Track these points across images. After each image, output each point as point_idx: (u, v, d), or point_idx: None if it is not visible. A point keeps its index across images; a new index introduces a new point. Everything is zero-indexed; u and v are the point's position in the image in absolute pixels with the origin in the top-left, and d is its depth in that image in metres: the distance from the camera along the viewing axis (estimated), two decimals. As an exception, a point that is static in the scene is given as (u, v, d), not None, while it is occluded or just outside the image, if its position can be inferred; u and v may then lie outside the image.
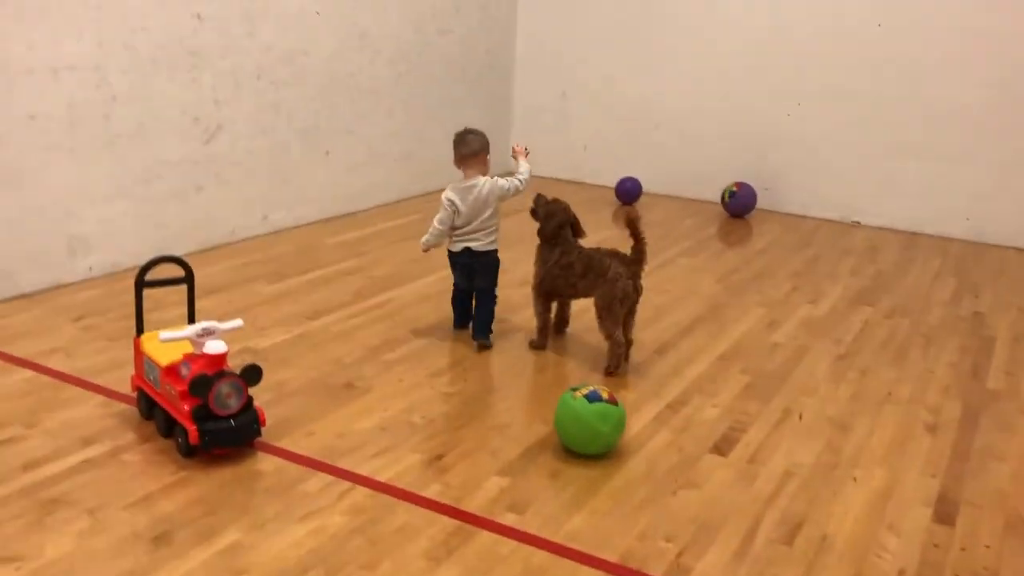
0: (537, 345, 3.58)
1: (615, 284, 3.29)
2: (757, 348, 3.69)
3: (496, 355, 3.50)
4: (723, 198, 6.04)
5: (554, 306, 3.65)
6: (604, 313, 3.31)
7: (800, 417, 3.07)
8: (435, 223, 3.54)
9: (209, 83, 4.48)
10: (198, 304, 3.80)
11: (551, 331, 3.64)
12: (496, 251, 3.61)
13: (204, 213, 4.61)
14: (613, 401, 2.72)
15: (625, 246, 3.46)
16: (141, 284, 2.77)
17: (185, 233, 4.51)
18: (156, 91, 4.23)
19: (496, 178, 3.59)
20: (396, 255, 4.74)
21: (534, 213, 3.64)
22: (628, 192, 6.26)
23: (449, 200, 3.50)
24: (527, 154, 3.76)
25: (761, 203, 6.15)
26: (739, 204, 5.99)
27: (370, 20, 5.43)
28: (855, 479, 2.67)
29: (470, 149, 3.54)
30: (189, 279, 2.86)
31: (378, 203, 5.80)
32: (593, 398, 2.69)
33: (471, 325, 3.65)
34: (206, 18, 4.39)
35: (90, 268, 4.09)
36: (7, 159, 3.70)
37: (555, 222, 3.50)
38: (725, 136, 6.30)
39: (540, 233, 3.56)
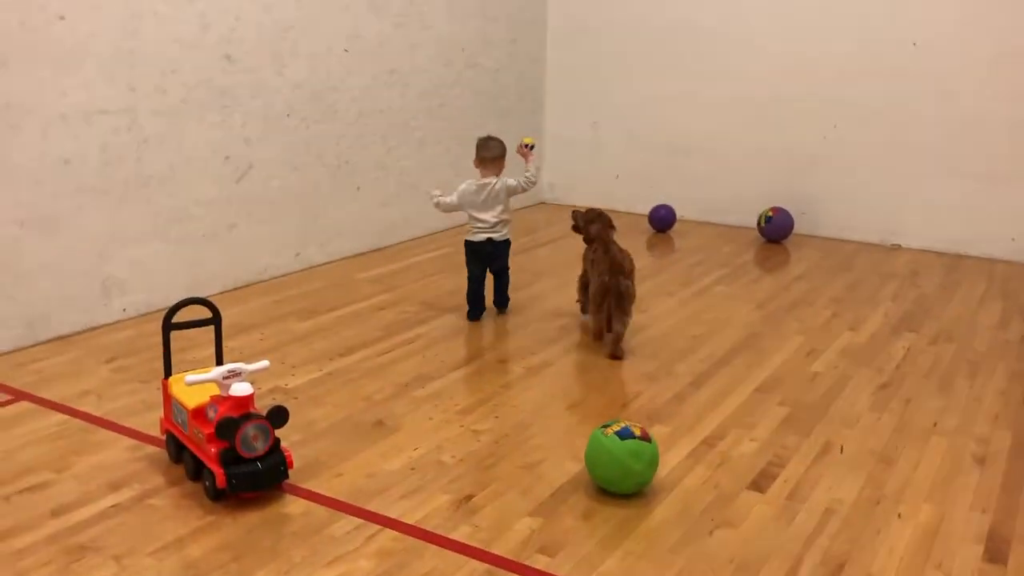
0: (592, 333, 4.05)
1: (597, 280, 3.90)
2: (796, 378, 3.59)
3: (526, 392, 3.45)
4: (759, 223, 5.95)
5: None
6: (592, 297, 3.94)
7: (841, 450, 2.97)
8: (451, 198, 4.26)
9: (239, 122, 4.53)
10: (230, 343, 3.84)
11: (599, 327, 3.97)
12: (509, 240, 4.32)
13: (236, 252, 4.63)
14: (646, 437, 2.65)
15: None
16: (168, 327, 2.77)
17: (218, 272, 4.54)
18: (187, 132, 4.28)
19: (506, 178, 4.21)
20: (427, 289, 4.73)
21: (576, 228, 4.29)
22: (662, 219, 6.20)
23: (463, 191, 4.23)
24: (531, 151, 4.30)
25: (798, 227, 6.05)
26: (776, 229, 5.90)
27: (399, 56, 5.46)
28: (900, 515, 2.57)
29: (491, 154, 4.20)
30: (216, 320, 2.86)
31: (410, 237, 5.80)
32: (625, 435, 2.62)
33: (494, 300, 4.36)
34: (236, 59, 4.44)
35: (124, 309, 4.13)
36: (42, 203, 3.75)
37: (595, 228, 4.10)
38: (759, 160, 6.21)
39: (585, 239, 4.19)
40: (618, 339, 3.80)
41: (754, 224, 6.10)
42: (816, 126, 5.99)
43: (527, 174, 4.23)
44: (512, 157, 4.28)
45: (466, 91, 6.09)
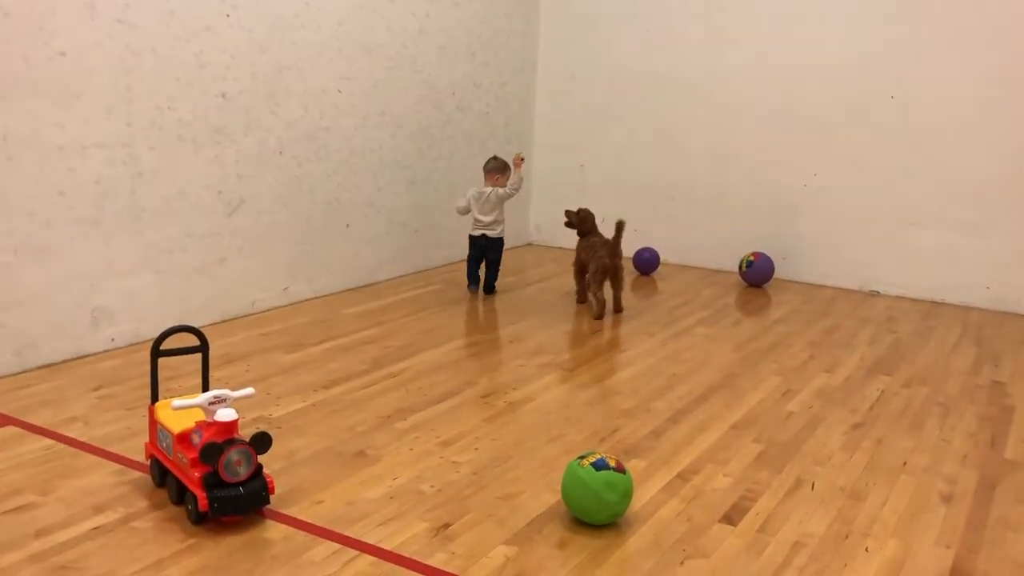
0: (579, 300, 5.41)
1: (598, 261, 5.07)
2: (771, 417, 3.67)
3: (507, 425, 3.51)
4: (741, 268, 6.07)
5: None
6: (592, 277, 5.11)
7: (813, 487, 3.04)
8: (463, 203, 5.53)
9: (233, 158, 4.63)
10: (217, 373, 3.90)
11: (601, 306, 5.11)
12: (502, 238, 5.54)
13: (226, 285, 4.71)
14: (620, 469, 2.71)
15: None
16: (156, 353, 2.83)
17: (207, 304, 4.61)
18: (181, 166, 4.38)
19: (498, 188, 5.43)
20: (413, 325, 4.80)
21: (569, 224, 5.42)
22: (646, 262, 6.31)
23: (469, 196, 5.51)
24: (521, 164, 5.43)
25: (779, 273, 6.18)
26: (757, 274, 6.01)
27: (391, 97, 5.60)
28: (867, 550, 2.63)
29: (488, 168, 5.51)
30: (204, 348, 2.92)
31: (397, 274, 5.89)
32: (600, 466, 2.69)
33: (483, 286, 5.58)
34: (231, 97, 4.56)
35: (112, 339, 4.18)
36: (36, 233, 3.83)
37: (586, 225, 5.36)
38: (742, 207, 6.36)
39: (578, 232, 5.39)
40: (619, 298, 5.19)
41: (736, 268, 6.23)
42: (797, 175, 6.14)
43: (510, 182, 5.43)
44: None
45: (456, 133, 6.23)
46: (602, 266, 5.04)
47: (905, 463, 3.26)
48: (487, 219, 5.43)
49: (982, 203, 5.59)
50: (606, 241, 5.12)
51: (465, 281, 5.68)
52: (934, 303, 5.76)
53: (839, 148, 5.97)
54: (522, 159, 5.43)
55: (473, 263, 5.58)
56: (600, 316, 5.08)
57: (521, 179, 5.46)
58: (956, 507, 2.93)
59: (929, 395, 4.00)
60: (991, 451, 3.40)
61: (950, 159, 5.64)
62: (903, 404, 3.87)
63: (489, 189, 5.42)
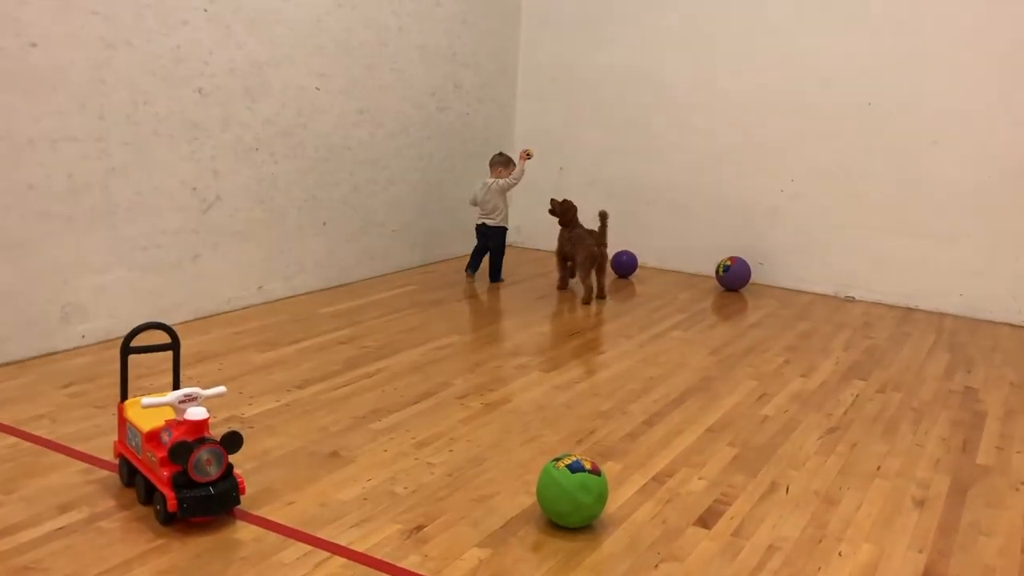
0: (559, 287, 5.81)
1: (587, 249, 5.44)
2: (747, 421, 3.67)
3: (483, 427, 3.49)
4: (718, 272, 6.08)
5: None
6: (580, 266, 5.48)
7: (787, 490, 3.04)
8: (473, 195, 5.93)
9: (209, 154, 4.58)
10: (188, 371, 3.85)
11: (589, 291, 5.51)
12: (503, 227, 5.91)
13: (200, 282, 4.65)
14: (596, 471, 2.70)
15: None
16: (127, 350, 2.78)
17: (180, 302, 4.55)
18: (156, 162, 4.32)
19: (499, 179, 5.82)
20: (390, 325, 4.77)
21: (552, 212, 5.76)
22: (624, 265, 6.31)
23: (476, 188, 5.91)
24: (527, 158, 5.80)
25: (756, 277, 6.20)
26: (734, 278, 6.03)
27: (370, 96, 5.57)
28: (840, 554, 2.64)
29: (492, 162, 5.94)
30: (175, 346, 2.87)
31: (374, 274, 5.86)
32: (575, 468, 2.67)
33: (489, 274, 5.94)
34: (207, 93, 4.51)
35: (83, 336, 4.12)
36: (5, 228, 3.76)
37: (569, 215, 5.69)
38: (719, 212, 6.38)
39: (560, 222, 5.73)
40: (603, 285, 5.57)
41: (713, 273, 6.24)
42: (774, 180, 6.17)
43: (512, 174, 5.80)
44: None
45: (435, 133, 6.20)
46: (591, 254, 5.43)
47: (879, 467, 3.27)
48: (486, 208, 5.85)
49: (956, 211, 5.64)
50: (592, 231, 5.54)
51: None
52: (908, 309, 5.80)
53: (816, 154, 6.01)
54: (528, 155, 5.79)
55: (476, 252, 6.00)
56: (588, 301, 5.46)
57: (523, 172, 5.82)
58: (929, 511, 2.94)
59: (903, 400, 4.02)
60: (963, 456, 3.42)
61: (925, 167, 5.69)
62: (877, 409, 3.89)
63: (492, 180, 5.84)
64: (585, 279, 5.46)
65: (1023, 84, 5.35)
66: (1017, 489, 3.15)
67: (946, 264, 5.71)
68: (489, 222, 5.86)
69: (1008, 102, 5.40)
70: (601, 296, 5.57)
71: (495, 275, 5.95)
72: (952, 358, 4.74)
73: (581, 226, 5.64)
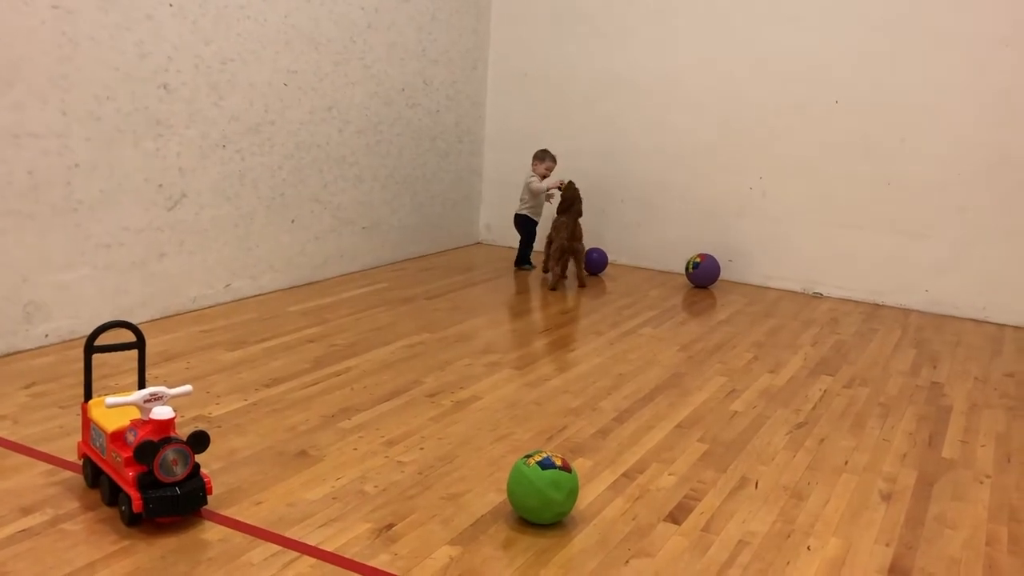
0: (544, 269, 6.10)
1: (560, 240, 5.73)
2: (716, 417, 3.69)
3: (453, 425, 3.48)
4: (687, 269, 6.11)
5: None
6: (552, 254, 5.79)
7: (756, 485, 3.06)
8: None
9: (174, 151, 4.52)
10: (154, 370, 3.80)
11: (556, 279, 5.81)
12: (523, 215, 6.34)
13: (166, 280, 4.59)
14: (566, 468, 2.70)
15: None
16: (90, 349, 2.74)
17: (145, 300, 4.49)
18: (120, 158, 4.26)
19: (529, 177, 6.28)
20: (359, 324, 4.74)
21: (560, 187, 6.03)
22: (595, 262, 6.32)
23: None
24: (559, 185, 6.05)
25: (725, 274, 6.24)
26: (703, 275, 6.06)
27: (339, 92, 5.53)
28: (809, 548, 2.66)
29: (535, 156, 6.31)
30: (140, 344, 2.83)
31: (343, 272, 5.81)
32: (546, 465, 2.67)
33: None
34: (173, 89, 4.45)
35: (46, 335, 4.05)
36: (-35, 224, 3.68)
37: (564, 205, 5.87)
38: (689, 209, 6.41)
39: (559, 209, 5.94)
40: (581, 276, 5.89)
41: (682, 270, 6.27)
42: (743, 178, 6.21)
43: (537, 186, 6.21)
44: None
45: (405, 130, 6.17)
46: (560, 246, 5.72)
47: (847, 462, 3.30)
48: (520, 199, 6.37)
49: (922, 209, 5.71)
50: (566, 223, 5.78)
51: None
52: (875, 305, 5.87)
53: (784, 152, 6.06)
54: (560, 186, 5.99)
55: (520, 245, 6.45)
56: (554, 288, 5.74)
57: (539, 191, 6.21)
58: (895, 505, 2.97)
59: (870, 395, 4.07)
60: (929, 450, 3.46)
61: (891, 164, 5.75)
62: (845, 404, 3.93)
63: (530, 175, 6.31)
64: (552, 267, 5.79)
65: (991, 82, 5.43)
66: (981, 482, 3.19)
67: (912, 261, 5.79)
68: (518, 210, 6.36)
69: (976, 100, 5.48)
70: (581, 285, 5.88)
71: (521, 259, 6.40)
72: (918, 354, 4.80)
73: (569, 215, 5.82)
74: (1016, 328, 5.48)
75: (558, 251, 5.68)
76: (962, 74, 5.49)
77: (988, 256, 5.57)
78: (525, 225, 6.37)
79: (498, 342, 4.57)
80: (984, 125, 5.47)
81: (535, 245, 6.49)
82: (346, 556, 2.48)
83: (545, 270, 6.06)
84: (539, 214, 6.37)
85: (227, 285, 4.96)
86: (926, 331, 5.30)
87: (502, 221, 7.14)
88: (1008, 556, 2.67)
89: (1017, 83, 5.36)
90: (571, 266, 6.04)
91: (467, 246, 7.09)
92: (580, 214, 5.87)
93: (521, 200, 6.34)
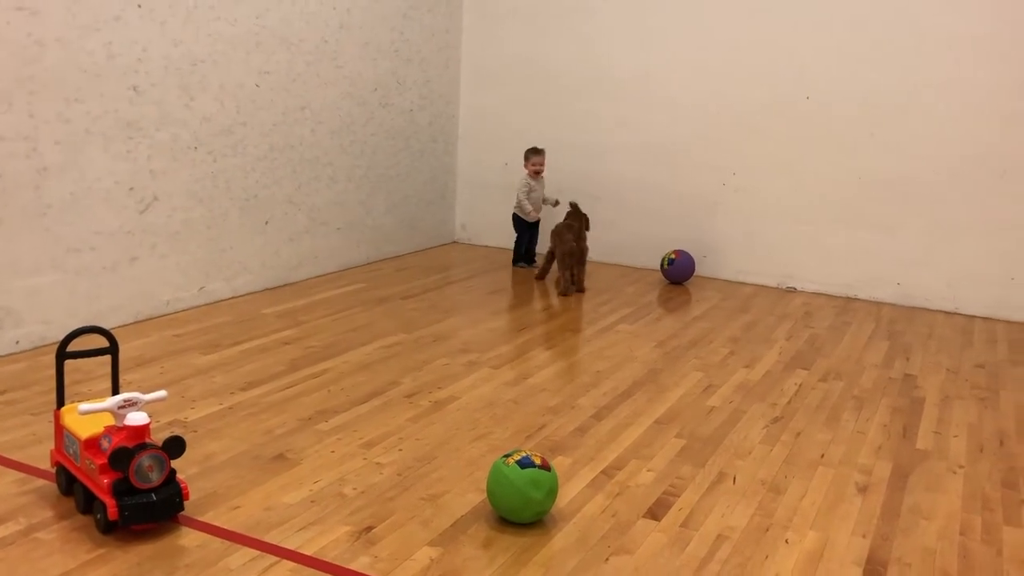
0: (537, 277, 6.07)
1: (566, 245, 5.66)
2: (693, 412, 3.71)
3: (432, 425, 3.47)
4: (663, 265, 6.14)
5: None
6: (560, 261, 5.71)
7: (734, 480, 3.08)
8: None
9: (145, 154, 4.47)
10: (129, 376, 3.76)
11: (567, 284, 5.73)
12: (513, 214, 6.42)
13: (138, 284, 4.54)
14: (546, 466, 2.70)
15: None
16: (62, 355, 2.70)
17: (118, 305, 4.44)
18: (90, 161, 4.21)
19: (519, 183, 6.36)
20: (335, 325, 4.71)
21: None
22: (570, 260, 6.33)
23: None
24: (553, 203, 6.44)
25: (700, 270, 6.27)
26: (678, 271, 6.09)
27: (311, 93, 5.49)
28: (787, 541, 2.68)
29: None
30: (113, 350, 2.80)
31: (319, 273, 5.78)
32: (525, 464, 2.67)
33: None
34: (143, 90, 4.40)
35: (17, 342, 3.99)
36: (-69, 230, 3.62)
37: (566, 221, 5.88)
38: (664, 206, 6.43)
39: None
40: (581, 280, 5.75)
41: (658, 266, 6.30)
42: (717, 174, 6.24)
43: (520, 192, 6.34)
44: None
45: (379, 130, 6.15)
46: (568, 250, 5.68)
47: (823, 455, 3.33)
48: None
49: (893, 202, 5.77)
50: (570, 225, 5.78)
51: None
52: (848, 299, 5.92)
53: (757, 148, 6.09)
54: (555, 203, 6.42)
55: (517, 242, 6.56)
56: (566, 293, 5.66)
57: (522, 200, 6.31)
58: (871, 497, 3.00)
59: (845, 388, 4.10)
60: (903, 441, 3.50)
61: (863, 159, 5.81)
62: (820, 397, 3.96)
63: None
64: (563, 273, 5.70)
65: (958, 77, 5.49)
66: (955, 472, 3.23)
67: (884, 254, 5.84)
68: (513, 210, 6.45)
69: (945, 95, 5.54)
70: (580, 290, 5.75)
71: (523, 256, 6.50)
72: (891, 346, 4.85)
73: (573, 218, 5.86)
74: (986, 319, 5.55)
75: (567, 256, 5.65)
76: (931, 70, 5.55)
77: (958, 249, 5.64)
78: (517, 224, 6.43)
79: (476, 341, 4.56)
80: (953, 120, 5.53)
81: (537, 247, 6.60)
82: (326, 559, 2.46)
83: (538, 276, 6.03)
84: (538, 213, 6.38)
85: (201, 288, 4.92)
86: (898, 324, 5.36)
87: (478, 220, 7.13)
88: (981, 545, 2.71)
89: (986, 78, 5.42)
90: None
91: (443, 245, 7.08)
92: (582, 221, 5.91)
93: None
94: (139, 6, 4.32)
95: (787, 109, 5.96)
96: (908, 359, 4.62)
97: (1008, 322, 5.50)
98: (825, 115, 5.86)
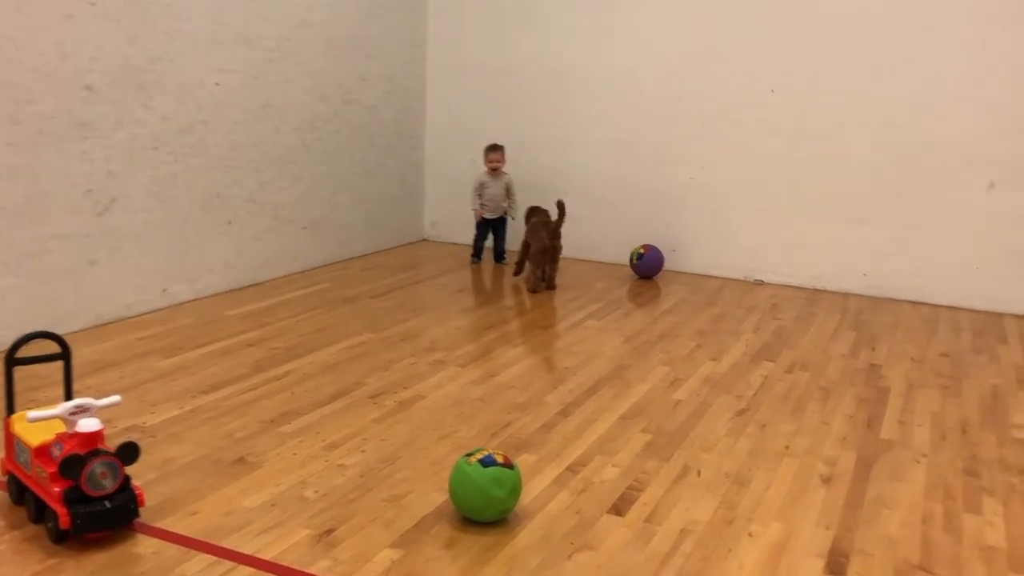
0: (515, 272, 5.99)
1: (540, 242, 5.57)
2: (659, 406, 3.70)
3: (396, 425, 3.43)
4: (631, 260, 6.13)
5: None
6: (532, 257, 5.63)
7: (699, 473, 3.07)
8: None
9: (102, 155, 4.39)
10: (87, 380, 3.69)
11: (536, 281, 5.67)
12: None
13: (98, 288, 4.46)
14: (508, 465, 2.67)
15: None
16: (11, 362, 2.64)
17: (77, 309, 4.36)
18: (44, 163, 4.12)
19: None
20: (300, 326, 4.66)
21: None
22: (538, 256, 6.31)
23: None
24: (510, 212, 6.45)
25: (668, 264, 6.27)
26: (647, 266, 6.09)
27: (273, 90, 5.43)
28: (751, 534, 2.67)
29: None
30: (66, 355, 2.74)
31: (284, 273, 5.72)
32: (487, 463, 2.64)
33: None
34: (98, 90, 4.32)
35: (-29, 348, 3.91)
36: None
37: (543, 217, 5.78)
38: (632, 200, 6.43)
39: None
40: (552, 277, 5.66)
41: (627, 261, 6.29)
42: (684, 168, 6.24)
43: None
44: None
45: (343, 127, 6.09)
46: (542, 247, 5.57)
47: (787, 447, 3.33)
48: None
49: (859, 193, 5.80)
50: (547, 222, 5.65)
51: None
52: (815, 290, 5.95)
53: (724, 141, 6.10)
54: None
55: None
56: (534, 290, 5.61)
57: (474, 201, 6.42)
58: (835, 488, 3.00)
59: (810, 379, 4.11)
60: (868, 432, 3.51)
61: (828, 151, 5.83)
62: (786, 389, 3.97)
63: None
64: (534, 269, 5.62)
65: (924, 67, 5.52)
66: (918, 461, 3.25)
67: (850, 245, 5.88)
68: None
69: (908, 85, 5.57)
70: (550, 287, 5.68)
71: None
72: (857, 336, 4.87)
73: (544, 214, 5.79)
74: (950, 308, 5.59)
75: (540, 253, 5.56)
76: (896, 59, 5.58)
77: (923, 239, 5.68)
78: (479, 222, 6.45)
79: (443, 340, 4.53)
80: (916, 110, 5.57)
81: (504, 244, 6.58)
82: (284, 564, 2.43)
83: (516, 272, 5.96)
84: (493, 211, 6.37)
85: (164, 290, 4.85)
86: (865, 314, 5.38)
87: (447, 217, 7.09)
88: (943, 533, 2.72)
89: (948, 68, 5.46)
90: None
91: (412, 243, 7.03)
92: (551, 217, 5.74)
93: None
94: (92, 4, 4.24)
95: (753, 101, 5.97)
96: (874, 349, 4.64)
97: (972, 311, 5.55)
98: (791, 107, 5.87)
